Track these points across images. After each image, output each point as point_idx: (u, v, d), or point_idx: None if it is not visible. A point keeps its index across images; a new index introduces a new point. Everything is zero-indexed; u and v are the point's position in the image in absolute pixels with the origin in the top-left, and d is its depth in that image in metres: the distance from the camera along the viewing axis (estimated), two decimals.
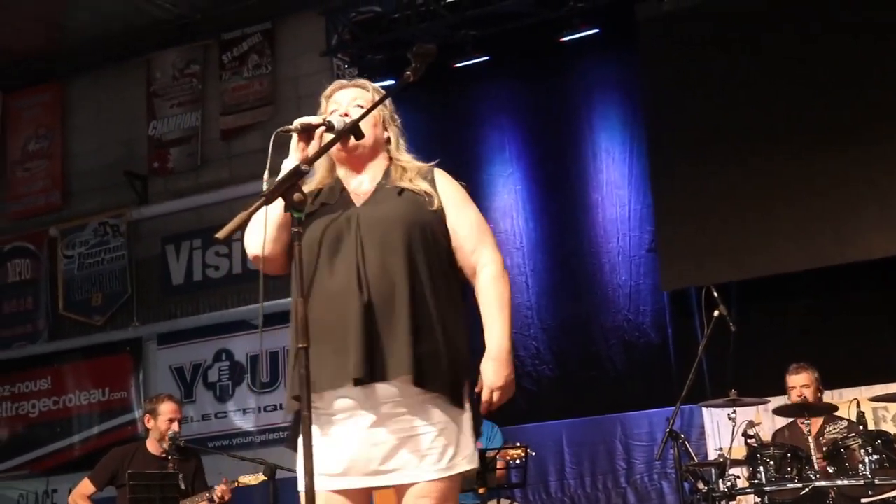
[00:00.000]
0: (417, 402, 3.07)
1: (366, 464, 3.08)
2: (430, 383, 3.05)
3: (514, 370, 3.15)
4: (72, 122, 11.37)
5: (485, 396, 3.10)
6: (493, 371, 3.11)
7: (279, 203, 3.04)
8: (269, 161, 3.05)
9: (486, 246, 3.24)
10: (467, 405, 3.14)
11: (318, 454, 3.01)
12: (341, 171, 3.34)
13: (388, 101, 3.35)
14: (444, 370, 3.07)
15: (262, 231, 3.13)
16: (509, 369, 3.13)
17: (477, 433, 3.18)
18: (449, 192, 3.28)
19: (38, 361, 11.03)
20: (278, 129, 3.14)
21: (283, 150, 3.20)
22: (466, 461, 3.11)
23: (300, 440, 2.94)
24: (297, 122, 3.20)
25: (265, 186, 2.96)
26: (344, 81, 3.45)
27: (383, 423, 3.07)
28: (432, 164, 3.37)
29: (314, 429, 3.05)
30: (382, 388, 3.06)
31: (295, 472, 6.88)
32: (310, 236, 3.18)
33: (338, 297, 3.09)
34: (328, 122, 3.21)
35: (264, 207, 2.96)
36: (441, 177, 3.32)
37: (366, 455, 3.08)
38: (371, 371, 3.03)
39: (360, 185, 3.30)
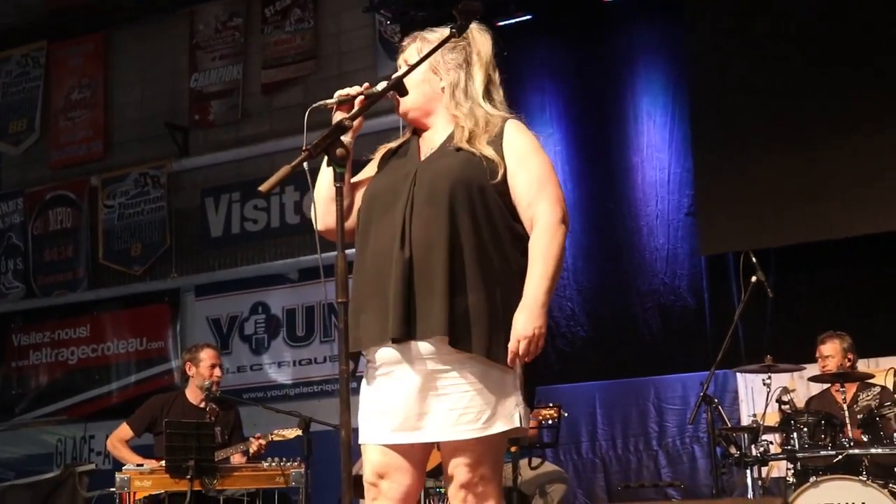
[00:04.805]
0: (455, 361, 3.06)
1: (406, 420, 3.09)
2: (465, 343, 3.03)
3: (545, 324, 3.06)
4: (114, 73, 11.42)
5: (511, 345, 3.03)
6: (522, 320, 3.03)
7: (327, 179, 3.05)
8: (304, 138, 3.03)
9: (542, 200, 3.17)
10: (516, 367, 3.09)
11: (370, 408, 3.16)
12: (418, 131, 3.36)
13: (449, 49, 3.30)
14: (484, 330, 3.04)
15: (312, 207, 3.24)
16: (540, 321, 3.03)
17: (527, 396, 3.12)
18: (512, 147, 3.21)
19: (77, 309, 11.15)
20: (314, 105, 3.11)
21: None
22: (504, 422, 3.06)
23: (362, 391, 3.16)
24: (336, 95, 3.19)
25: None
26: (414, 35, 3.44)
27: (423, 381, 3.08)
28: (505, 116, 3.29)
29: (364, 382, 3.21)
30: (421, 346, 3.07)
31: (329, 425, 6.90)
32: (369, 192, 3.24)
33: (384, 254, 3.10)
34: (371, 92, 3.18)
35: (324, 177, 2.98)
36: (510, 130, 3.24)
37: (407, 411, 3.09)
38: (407, 330, 3.04)
39: (430, 141, 3.30)
